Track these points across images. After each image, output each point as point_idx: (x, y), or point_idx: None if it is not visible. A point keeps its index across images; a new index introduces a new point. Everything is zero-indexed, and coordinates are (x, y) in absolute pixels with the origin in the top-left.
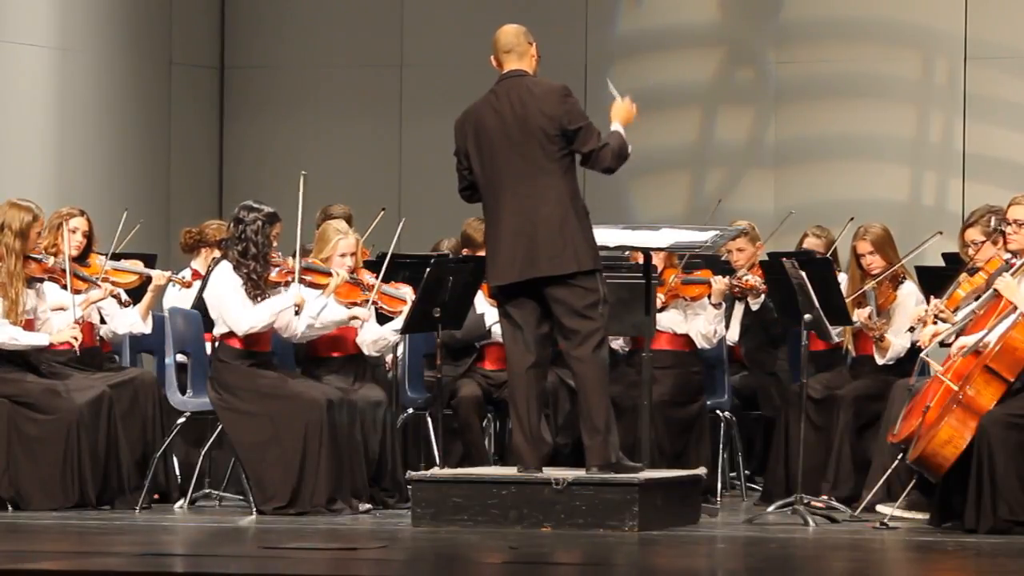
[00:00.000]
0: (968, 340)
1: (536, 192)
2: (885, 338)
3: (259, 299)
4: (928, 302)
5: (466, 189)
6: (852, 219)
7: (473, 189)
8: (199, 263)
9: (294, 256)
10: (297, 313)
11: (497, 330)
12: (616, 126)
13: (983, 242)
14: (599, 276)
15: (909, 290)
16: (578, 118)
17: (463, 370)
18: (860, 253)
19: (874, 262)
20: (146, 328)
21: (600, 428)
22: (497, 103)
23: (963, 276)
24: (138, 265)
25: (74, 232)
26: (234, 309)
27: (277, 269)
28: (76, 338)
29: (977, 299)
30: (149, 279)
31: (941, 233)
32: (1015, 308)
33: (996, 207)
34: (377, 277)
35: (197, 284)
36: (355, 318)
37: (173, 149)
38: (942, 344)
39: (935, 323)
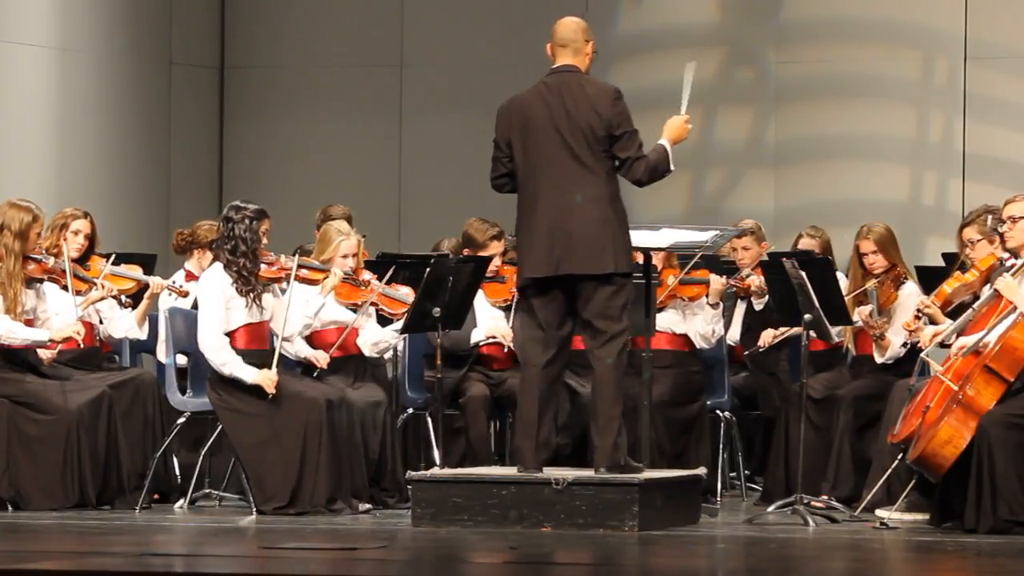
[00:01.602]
0: (968, 340)
1: (577, 189)
2: (885, 337)
3: (251, 295)
4: None
5: (500, 178)
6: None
7: (508, 179)
8: (192, 264)
9: (293, 255)
10: (263, 396)
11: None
12: (664, 142)
13: (979, 240)
14: (630, 281)
15: (910, 290)
16: (625, 123)
17: (464, 370)
18: (863, 252)
19: (876, 261)
20: (142, 334)
21: (611, 431)
22: (548, 96)
23: (955, 273)
24: (136, 271)
25: (76, 235)
26: (205, 326)
27: (273, 267)
28: (79, 332)
29: (976, 299)
30: (147, 286)
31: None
32: (1015, 308)
33: (993, 207)
34: (378, 279)
35: (193, 293)
36: (310, 360)
37: (173, 149)
38: (942, 344)
39: (918, 318)
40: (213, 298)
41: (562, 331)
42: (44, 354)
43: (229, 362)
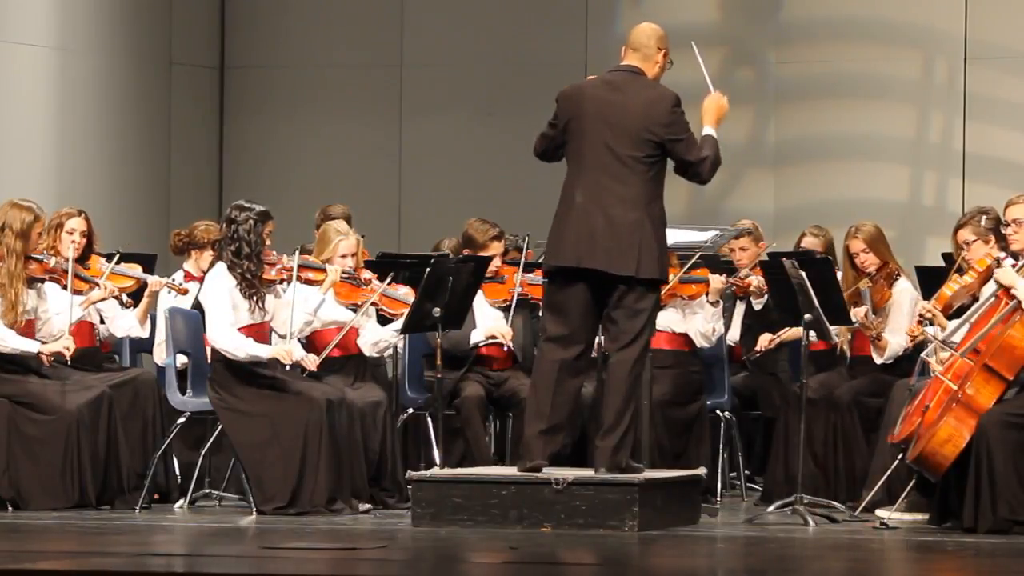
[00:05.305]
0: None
1: (615, 187)
2: (882, 337)
3: (254, 298)
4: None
5: (544, 150)
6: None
7: (546, 154)
8: (190, 265)
9: (293, 254)
10: (284, 365)
11: (484, 343)
12: (709, 129)
13: (974, 241)
14: (658, 287)
15: (904, 287)
16: (680, 130)
17: (463, 370)
18: (854, 252)
19: (868, 260)
20: (143, 333)
21: (616, 432)
22: (605, 91)
23: (953, 276)
24: (136, 269)
25: (71, 234)
26: (216, 321)
27: (276, 268)
28: (68, 348)
29: (974, 299)
30: (146, 284)
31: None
32: (1015, 307)
33: (987, 208)
34: (378, 278)
35: (193, 291)
36: (299, 363)
37: (173, 149)
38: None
39: (921, 323)
40: (220, 296)
41: (587, 331)
42: (57, 346)
43: (242, 345)
